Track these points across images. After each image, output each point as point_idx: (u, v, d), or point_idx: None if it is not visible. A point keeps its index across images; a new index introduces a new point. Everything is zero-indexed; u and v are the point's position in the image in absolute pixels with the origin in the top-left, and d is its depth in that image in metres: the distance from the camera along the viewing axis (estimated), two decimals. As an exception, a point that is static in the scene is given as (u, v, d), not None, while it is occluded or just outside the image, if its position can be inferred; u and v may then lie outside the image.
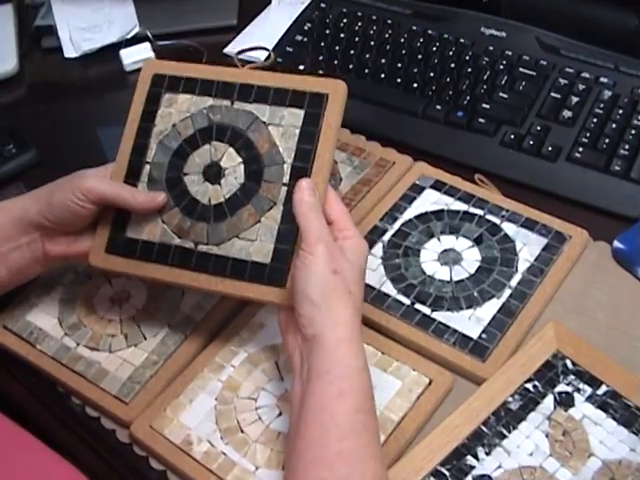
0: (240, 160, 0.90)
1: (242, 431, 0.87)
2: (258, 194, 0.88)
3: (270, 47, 1.30)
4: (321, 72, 1.22)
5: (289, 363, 0.83)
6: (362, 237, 0.85)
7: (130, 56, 1.36)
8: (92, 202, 0.90)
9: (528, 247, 0.99)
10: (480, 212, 1.03)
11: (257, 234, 0.87)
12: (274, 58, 1.23)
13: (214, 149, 0.91)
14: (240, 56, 1.33)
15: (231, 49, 1.35)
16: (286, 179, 0.87)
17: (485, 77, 1.16)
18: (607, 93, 1.11)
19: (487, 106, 1.13)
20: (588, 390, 0.85)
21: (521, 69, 1.16)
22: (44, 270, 0.98)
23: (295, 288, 0.80)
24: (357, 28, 1.27)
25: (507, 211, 1.03)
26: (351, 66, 1.22)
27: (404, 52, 1.22)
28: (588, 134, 1.08)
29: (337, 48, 1.25)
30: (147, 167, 0.93)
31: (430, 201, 1.06)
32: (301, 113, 0.89)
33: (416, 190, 1.07)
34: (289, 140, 0.88)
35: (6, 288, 0.97)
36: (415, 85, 1.18)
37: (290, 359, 0.82)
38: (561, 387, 0.86)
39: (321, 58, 1.25)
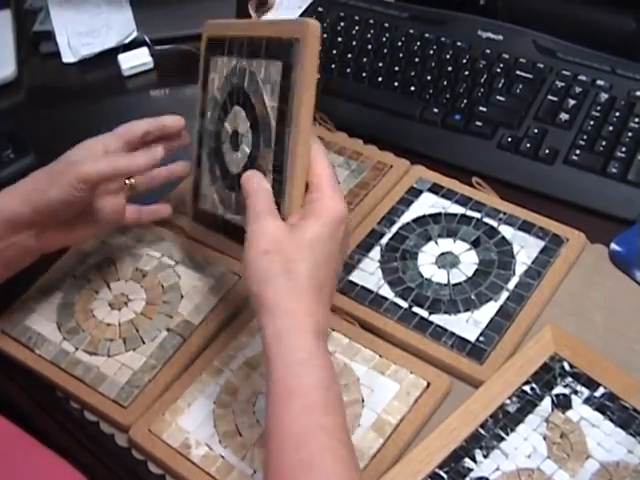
0: (248, 125, 0.86)
1: (240, 435, 0.87)
2: (257, 162, 0.85)
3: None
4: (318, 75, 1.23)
5: None
6: (332, 197, 0.78)
7: (128, 61, 1.36)
8: (93, 187, 0.89)
9: (525, 250, 0.99)
10: (477, 215, 1.03)
11: None
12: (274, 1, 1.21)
13: (235, 114, 0.89)
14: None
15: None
16: (273, 144, 0.83)
17: (482, 80, 1.16)
18: (604, 96, 1.11)
19: (484, 109, 1.13)
20: (586, 392, 0.85)
21: (518, 72, 1.16)
22: (37, 258, 0.96)
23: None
24: (354, 32, 1.27)
25: (504, 214, 1.03)
26: (348, 69, 1.23)
27: (401, 55, 1.22)
28: (585, 137, 1.08)
29: (334, 52, 1.26)
30: (205, 136, 0.95)
31: (427, 204, 1.06)
32: (280, 65, 0.82)
33: (413, 193, 1.07)
34: (274, 98, 0.82)
35: (0, 280, 0.96)
36: (412, 88, 1.18)
37: None
38: (559, 389, 0.86)
39: (318, 62, 1.24)
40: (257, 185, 0.81)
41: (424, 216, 1.04)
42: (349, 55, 1.25)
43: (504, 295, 0.95)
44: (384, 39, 1.25)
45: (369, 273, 0.99)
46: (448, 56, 1.20)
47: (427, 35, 1.23)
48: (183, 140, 1.01)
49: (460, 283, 0.97)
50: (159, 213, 1.04)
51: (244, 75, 0.87)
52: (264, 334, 0.74)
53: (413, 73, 1.20)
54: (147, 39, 1.39)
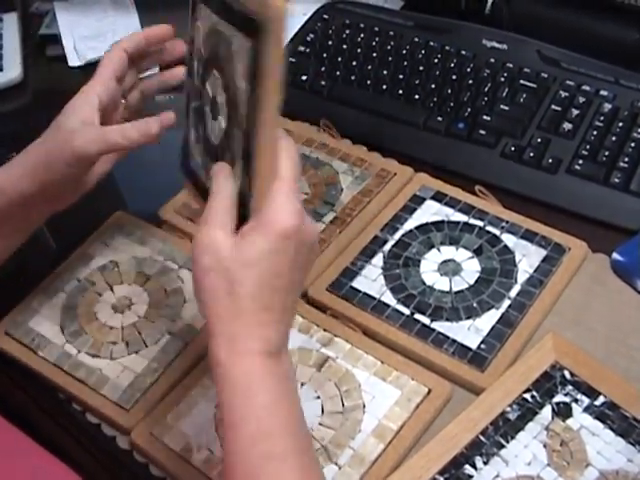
0: (225, 97, 0.74)
1: (242, 439, 0.87)
2: (231, 142, 0.74)
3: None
4: (323, 83, 1.23)
5: None
6: (283, 206, 0.69)
7: (133, 65, 1.36)
8: (89, 163, 0.90)
9: (527, 258, 0.99)
10: (480, 223, 1.04)
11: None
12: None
13: (213, 79, 0.76)
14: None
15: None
16: (244, 127, 0.72)
17: (486, 89, 1.17)
18: (607, 106, 1.11)
19: (488, 118, 1.14)
20: (586, 401, 0.86)
21: (522, 81, 1.16)
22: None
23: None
24: (359, 39, 1.28)
25: (507, 222, 1.03)
26: (353, 77, 1.23)
27: (406, 63, 1.23)
28: (588, 146, 1.08)
29: (339, 59, 1.26)
30: (192, 91, 0.82)
31: (430, 212, 1.06)
32: (248, 45, 0.69)
33: (417, 201, 1.08)
34: (242, 77, 0.71)
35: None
36: (416, 96, 1.19)
37: None
38: (559, 397, 0.86)
39: (323, 69, 1.25)
40: (219, 186, 0.73)
41: (427, 224, 1.05)
42: (354, 62, 1.25)
43: (506, 303, 0.95)
44: (389, 47, 1.25)
45: (372, 280, 1.00)
46: (452, 65, 1.21)
47: (432, 43, 1.24)
48: (172, 52, 0.99)
49: (462, 291, 0.97)
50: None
51: (219, 39, 0.74)
52: (209, 355, 0.70)
53: (417, 81, 1.20)
54: (153, 44, 1.39)
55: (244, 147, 0.72)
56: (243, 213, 0.72)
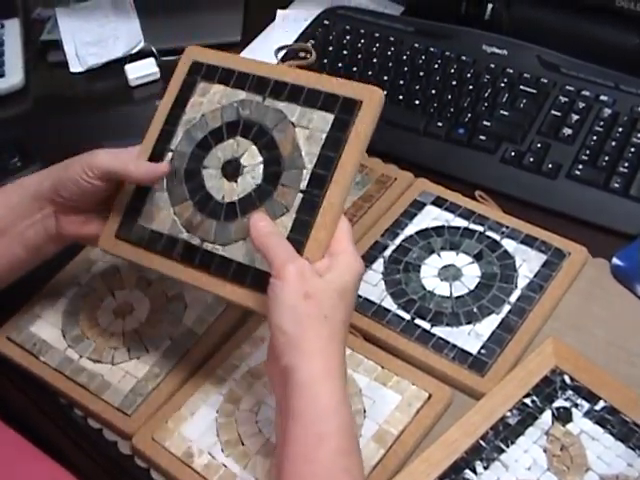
0: (261, 159, 0.86)
1: (243, 444, 0.87)
2: (272, 198, 0.84)
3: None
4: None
5: (271, 388, 0.81)
6: (354, 253, 0.80)
7: (135, 71, 1.37)
8: (99, 178, 0.89)
9: (527, 263, 1.00)
10: (480, 228, 1.04)
11: None
12: (315, 58, 1.21)
13: (237, 144, 0.88)
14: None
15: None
16: (303, 185, 0.83)
17: (486, 94, 1.17)
18: (607, 111, 1.11)
19: (488, 123, 1.14)
20: (586, 405, 0.86)
21: (522, 87, 1.17)
22: (58, 249, 0.97)
23: (268, 318, 0.77)
24: (360, 45, 1.28)
25: (507, 228, 1.03)
26: (354, 83, 1.23)
27: (406, 69, 1.23)
28: (588, 152, 1.08)
29: (340, 65, 1.26)
30: (169, 155, 0.91)
31: (431, 217, 1.06)
32: (330, 117, 0.84)
33: (417, 206, 1.08)
34: (313, 145, 0.84)
35: (24, 268, 0.97)
36: (417, 102, 1.19)
37: (271, 386, 0.81)
38: (559, 402, 0.86)
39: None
40: (271, 229, 0.81)
41: (427, 229, 1.05)
42: (354, 68, 1.25)
43: (506, 308, 0.96)
44: (389, 53, 1.26)
45: (372, 285, 1.00)
46: (453, 70, 1.21)
47: (432, 49, 1.24)
48: None
49: (462, 296, 0.98)
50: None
51: (266, 113, 0.87)
52: (295, 374, 0.74)
53: (418, 86, 1.20)
54: (154, 50, 1.39)
55: (303, 202, 0.82)
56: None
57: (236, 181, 0.87)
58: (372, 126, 0.83)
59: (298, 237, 0.81)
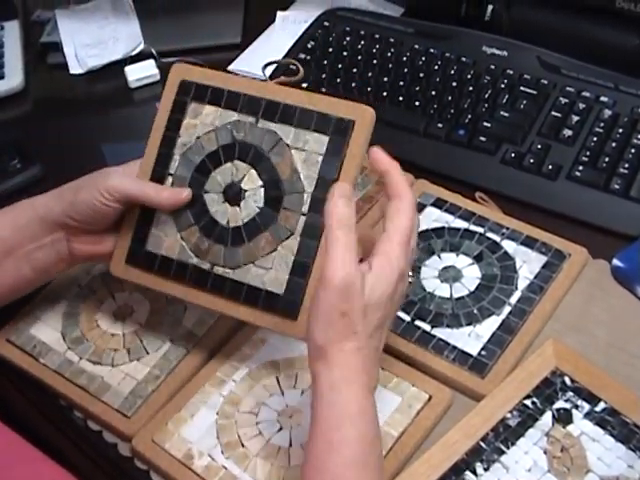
0: (261, 183, 0.87)
1: (243, 445, 0.87)
2: (276, 222, 0.86)
3: (274, 65, 1.31)
4: (323, 90, 1.23)
5: None
6: (401, 256, 0.78)
7: (135, 73, 1.37)
8: (117, 201, 0.89)
9: (528, 265, 0.99)
10: (480, 230, 1.04)
11: (272, 263, 0.86)
12: (303, 73, 1.22)
13: (236, 169, 0.89)
14: (243, 75, 1.34)
15: (235, 67, 1.36)
16: (305, 209, 0.85)
17: (486, 96, 1.17)
18: (607, 112, 1.11)
19: (488, 124, 1.14)
20: (586, 407, 0.86)
21: (522, 88, 1.17)
22: (68, 268, 0.98)
23: (308, 321, 0.77)
24: (360, 46, 1.28)
25: (507, 229, 1.03)
26: (353, 84, 1.23)
27: (406, 70, 1.23)
28: (588, 153, 1.08)
29: (340, 66, 1.26)
30: (170, 179, 0.92)
31: (431, 218, 1.06)
32: (325, 139, 0.85)
33: (417, 208, 1.07)
34: (311, 167, 0.85)
35: (31, 287, 0.98)
36: (417, 103, 1.19)
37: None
38: (559, 404, 0.86)
39: (324, 76, 1.26)
40: (344, 239, 0.77)
41: (427, 230, 1.05)
42: (354, 69, 1.25)
43: (506, 310, 0.96)
44: (389, 54, 1.26)
45: (372, 286, 1.00)
46: (453, 71, 1.21)
47: (432, 50, 1.24)
48: None
49: (462, 297, 0.97)
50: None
51: (261, 135, 0.88)
52: (317, 381, 0.75)
53: (418, 88, 1.20)
54: (154, 51, 1.39)
55: (306, 225, 0.84)
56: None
57: (239, 205, 0.88)
58: (366, 146, 0.84)
59: (304, 260, 0.84)
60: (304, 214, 0.85)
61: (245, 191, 0.88)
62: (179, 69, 0.95)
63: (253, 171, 0.88)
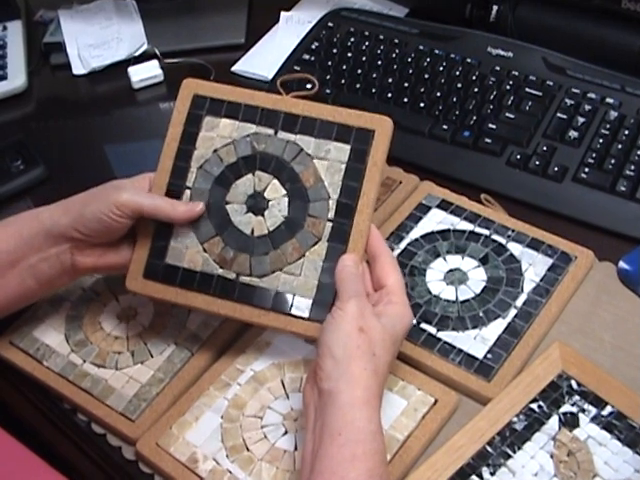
0: (284, 192, 0.90)
1: (248, 449, 0.87)
2: (303, 229, 0.88)
3: (278, 66, 1.31)
4: (328, 91, 1.23)
5: (304, 415, 0.81)
6: (406, 305, 0.84)
7: (138, 73, 1.36)
8: (128, 216, 0.89)
9: (534, 267, 0.99)
10: (486, 232, 1.03)
11: (301, 269, 0.88)
12: (318, 88, 1.22)
13: (258, 179, 0.91)
14: (247, 75, 1.34)
15: (239, 67, 1.36)
16: (331, 215, 0.88)
17: (492, 97, 1.17)
18: (613, 114, 1.11)
19: (493, 126, 1.14)
20: (593, 411, 0.85)
21: (527, 89, 1.16)
22: (73, 281, 0.97)
23: (320, 340, 0.80)
24: (364, 47, 1.28)
25: (513, 231, 1.03)
26: (358, 85, 1.23)
27: (411, 71, 1.23)
28: (594, 155, 1.08)
29: (344, 67, 1.26)
30: (187, 192, 0.92)
31: (436, 221, 1.06)
32: (347, 148, 0.89)
33: (422, 210, 1.07)
34: (334, 175, 0.89)
35: (35, 298, 0.97)
36: (422, 105, 1.19)
37: (305, 411, 0.81)
38: (566, 407, 0.86)
39: (328, 77, 1.25)
40: (354, 270, 0.85)
41: (433, 232, 1.05)
42: (359, 71, 1.25)
43: (512, 312, 0.95)
44: (394, 55, 1.26)
45: (377, 289, 0.99)
46: (458, 73, 1.21)
47: (437, 51, 1.24)
48: None
49: (468, 300, 0.97)
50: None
51: (282, 146, 0.91)
52: (338, 397, 0.77)
53: (423, 89, 1.20)
54: (157, 52, 1.39)
55: (332, 231, 0.88)
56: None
57: (263, 215, 0.90)
58: (386, 154, 0.88)
59: (334, 264, 0.86)
60: (330, 220, 0.88)
61: (269, 201, 0.90)
62: (190, 84, 0.96)
63: (276, 181, 0.90)
